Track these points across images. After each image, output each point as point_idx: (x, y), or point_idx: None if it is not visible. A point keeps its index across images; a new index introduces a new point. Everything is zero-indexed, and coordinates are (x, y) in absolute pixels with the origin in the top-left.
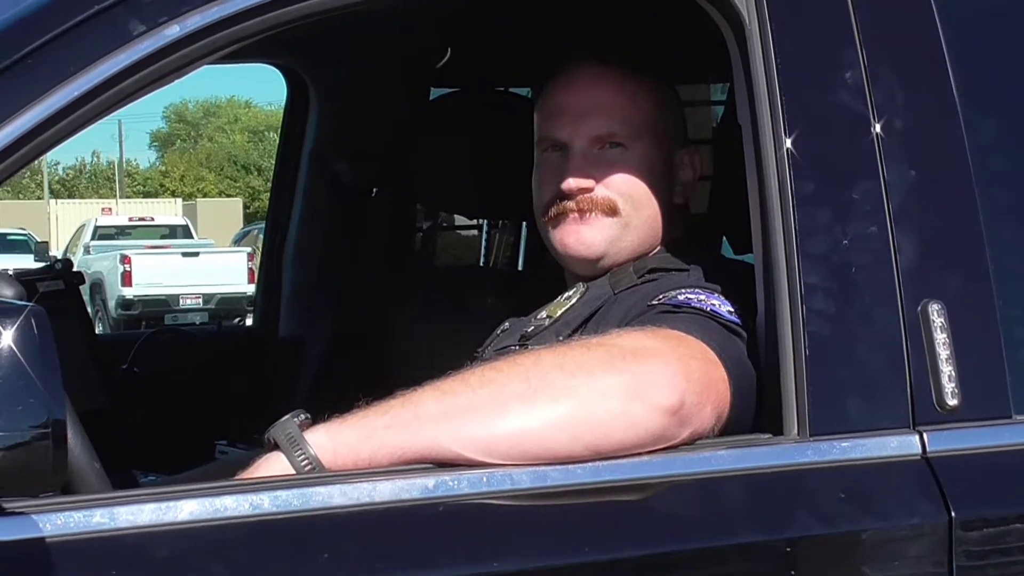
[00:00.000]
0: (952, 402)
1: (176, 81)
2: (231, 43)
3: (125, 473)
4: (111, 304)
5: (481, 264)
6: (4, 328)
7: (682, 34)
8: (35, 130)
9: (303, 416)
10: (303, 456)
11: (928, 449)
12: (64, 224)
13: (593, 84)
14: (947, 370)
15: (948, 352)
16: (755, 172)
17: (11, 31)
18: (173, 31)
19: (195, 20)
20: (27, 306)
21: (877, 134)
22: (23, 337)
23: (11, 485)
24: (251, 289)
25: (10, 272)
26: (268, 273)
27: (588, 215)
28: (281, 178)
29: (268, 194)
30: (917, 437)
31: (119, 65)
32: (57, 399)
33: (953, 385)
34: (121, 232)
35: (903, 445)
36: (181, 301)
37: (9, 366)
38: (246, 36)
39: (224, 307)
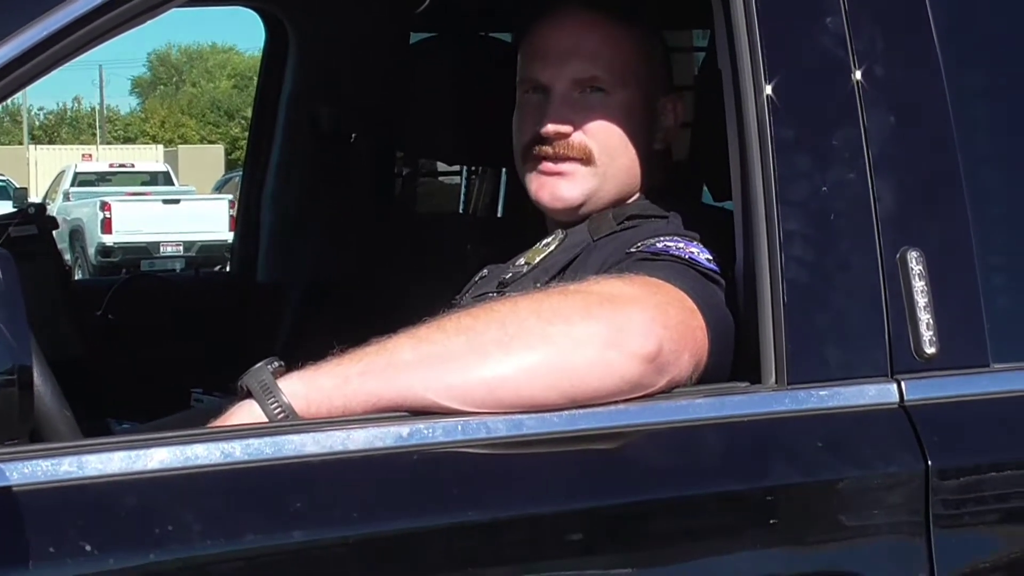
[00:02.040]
0: (930, 350)
1: (151, 20)
2: None
3: (99, 421)
4: (91, 251)
5: (461, 211)
6: None
7: None
8: (9, 65)
9: (276, 363)
10: (276, 404)
11: (906, 397)
12: (44, 170)
13: (578, 27)
14: (925, 318)
15: (926, 300)
16: (735, 119)
17: None
18: None
19: None
20: None
21: (857, 81)
22: None
23: None
24: (232, 236)
25: None
26: (246, 219)
27: (564, 164)
28: (259, 123)
29: None
30: (895, 385)
31: (88, 5)
32: (23, 345)
33: (931, 333)
34: (101, 179)
35: (881, 393)
36: (161, 248)
37: None
38: None
39: (205, 255)
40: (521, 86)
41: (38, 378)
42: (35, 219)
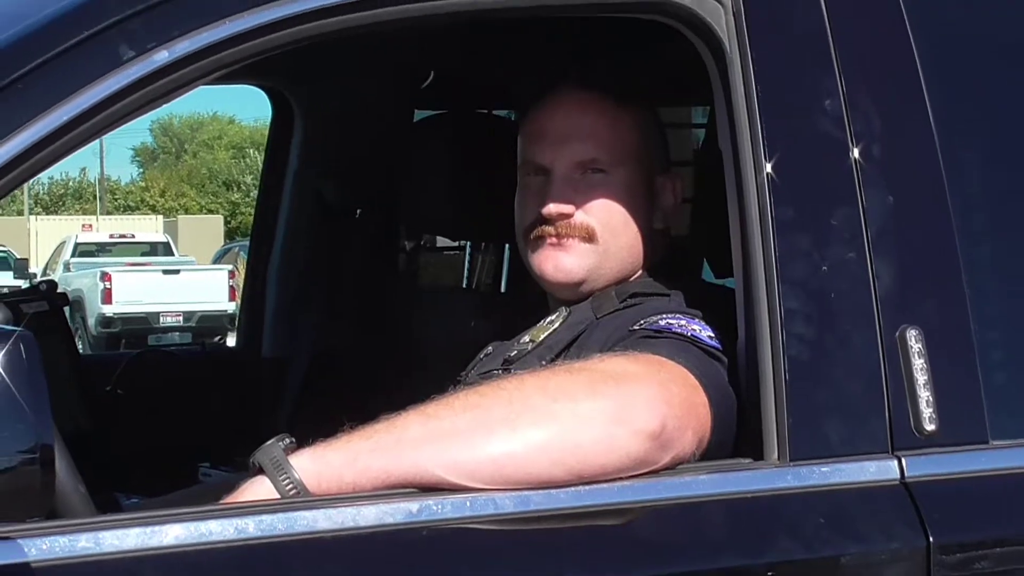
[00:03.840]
0: (930, 427)
1: (165, 104)
2: (219, 68)
3: (107, 495)
4: (91, 321)
5: (464, 285)
6: None
7: (664, 59)
8: (25, 153)
9: (288, 440)
10: (288, 480)
11: (906, 474)
12: (44, 240)
13: (577, 109)
14: (925, 395)
15: (926, 377)
16: (736, 197)
17: (3, 55)
18: (162, 56)
19: (184, 46)
20: (15, 331)
21: (855, 160)
22: (12, 362)
23: None
24: (232, 307)
25: None
26: (252, 292)
27: (566, 240)
28: (265, 197)
29: (248, 210)
30: (896, 462)
31: (109, 89)
32: (45, 424)
33: (931, 410)
34: (102, 249)
35: (882, 470)
36: (161, 319)
37: None
38: (234, 61)
39: (205, 325)
40: (522, 168)
41: (56, 456)
42: (47, 295)
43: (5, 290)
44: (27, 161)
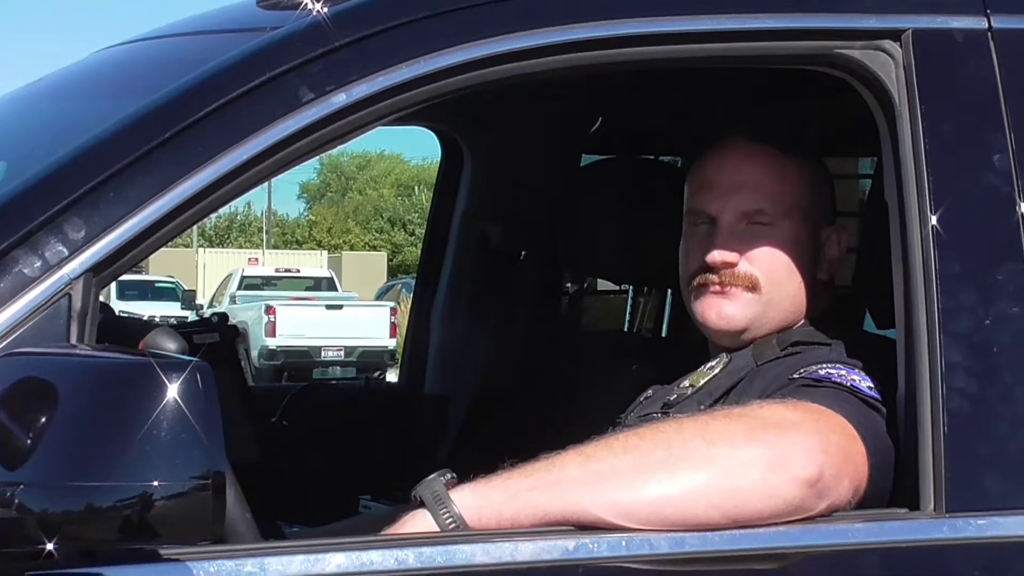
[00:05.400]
0: None
1: (341, 146)
2: (394, 111)
3: (271, 523)
4: (254, 354)
5: (626, 329)
6: (171, 382)
7: (833, 110)
8: (204, 191)
9: (449, 475)
10: (448, 514)
11: None
12: (211, 272)
13: (745, 160)
14: None
15: None
16: (900, 249)
17: (188, 95)
18: (340, 99)
19: (361, 89)
20: (192, 361)
21: (1022, 216)
22: (188, 391)
23: (170, 533)
24: (393, 343)
25: (158, 322)
26: (416, 330)
27: (729, 289)
28: (432, 237)
29: (410, 248)
30: None
31: (287, 130)
32: (218, 451)
33: None
34: (267, 283)
35: None
36: (323, 353)
37: (175, 419)
38: (410, 105)
39: (366, 360)
40: (688, 217)
41: (226, 483)
42: (218, 327)
43: (173, 321)
44: (208, 197)
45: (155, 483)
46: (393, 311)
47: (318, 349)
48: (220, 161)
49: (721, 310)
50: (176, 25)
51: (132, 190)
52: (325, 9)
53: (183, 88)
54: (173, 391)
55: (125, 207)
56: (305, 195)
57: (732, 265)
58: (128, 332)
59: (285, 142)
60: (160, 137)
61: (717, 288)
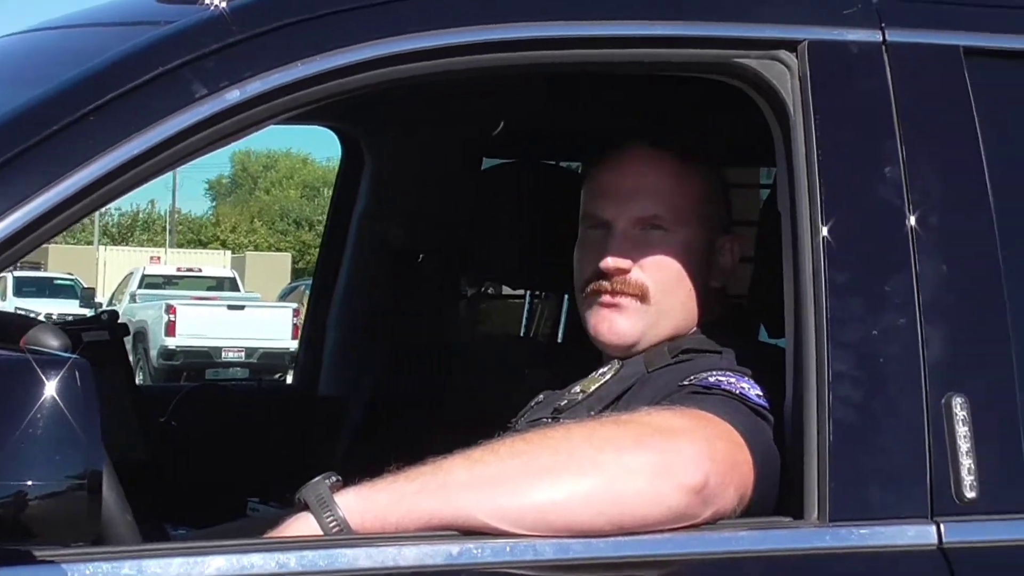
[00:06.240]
0: (971, 494)
1: (234, 142)
2: (290, 109)
3: (156, 525)
4: (153, 353)
5: (522, 334)
6: (48, 379)
7: (733, 119)
8: (96, 183)
9: (334, 478)
10: (332, 518)
11: (944, 540)
12: (112, 271)
13: (642, 166)
14: (967, 463)
15: (968, 445)
16: (791, 258)
17: (78, 88)
18: (234, 95)
19: (255, 86)
20: (71, 358)
21: (912, 227)
22: (66, 388)
23: (45, 533)
24: (295, 345)
25: (55, 319)
26: (312, 331)
27: (621, 300)
28: (331, 238)
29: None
30: (934, 527)
31: (180, 126)
32: (95, 451)
33: (972, 478)
34: (168, 282)
35: (920, 535)
36: (223, 354)
37: (51, 417)
38: (306, 103)
39: (266, 362)
40: (584, 221)
41: (104, 482)
42: (108, 325)
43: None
44: (97, 191)
45: (29, 483)
46: (296, 312)
47: (218, 350)
48: (111, 155)
49: (612, 325)
50: (72, 16)
51: (18, 183)
52: (222, 4)
53: (75, 80)
54: (50, 388)
55: (7, 200)
56: (212, 192)
57: (625, 272)
58: (9, 328)
59: (177, 137)
60: (49, 129)
61: (608, 300)
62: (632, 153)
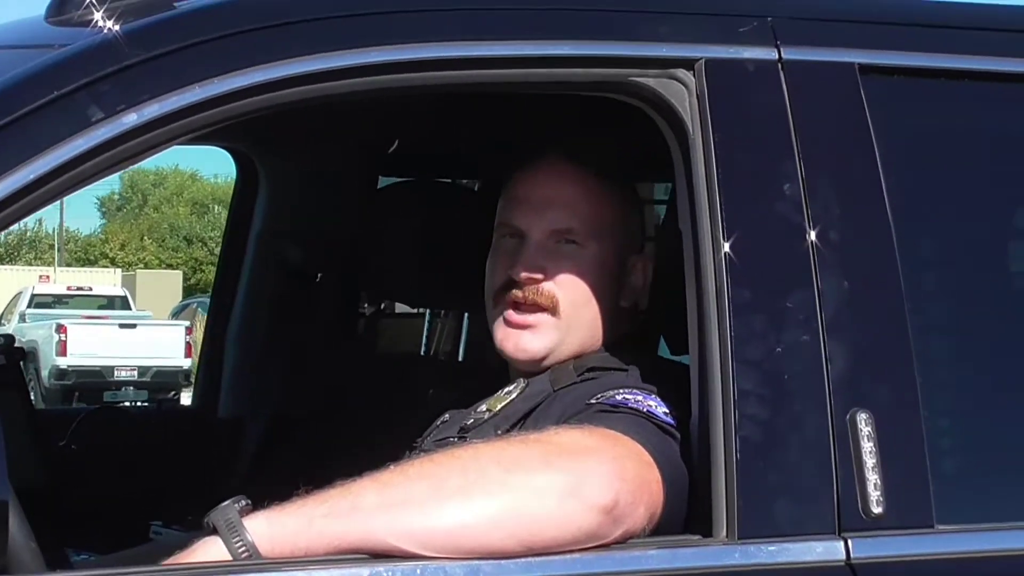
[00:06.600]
0: (877, 510)
1: (132, 166)
2: (188, 132)
3: (58, 551)
4: (44, 374)
5: (422, 353)
6: None
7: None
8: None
9: (244, 502)
10: (240, 543)
11: (852, 555)
12: (0, 291)
13: (560, 178)
14: (873, 478)
15: (874, 461)
16: (693, 275)
17: None
18: (131, 119)
19: (153, 109)
20: None
21: (812, 243)
22: None
23: None
24: (188, 363)
25: None
26: (210, 351)
27: (530, 316)
28: (227, 257)
29: (211, 266)
30: (842, 543)
31: (76, 150)
32: (0, 481)
33: (878, 493)
34: (58, 301)
35: (828, 551)
36: (116, 373)
37: None
38: (203, 126)
39: (159, 380)
40: (498, 230)
41: (11, 512)
42: (4, 349)
43: None
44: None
45: None
46: (188, 330)
47: (111, 369)
48: (7, 180)
49: (519, 342)
50: None
51: None
52: (117, 27)
53: None
54: None
55: None
56: (103, 210)
57: (537, 282)
58: None
59: (74, 162)
60: None
61: (517, 317)
62: (549, 165)
